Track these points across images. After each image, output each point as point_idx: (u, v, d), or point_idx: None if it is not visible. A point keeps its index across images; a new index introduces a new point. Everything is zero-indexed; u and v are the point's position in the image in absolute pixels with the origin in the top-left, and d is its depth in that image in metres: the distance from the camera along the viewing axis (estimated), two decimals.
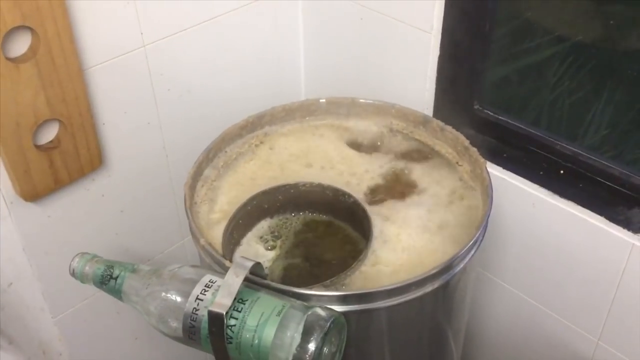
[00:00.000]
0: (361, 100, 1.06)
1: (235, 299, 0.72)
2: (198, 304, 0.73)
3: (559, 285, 1.11)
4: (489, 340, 1.30)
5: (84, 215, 1.09)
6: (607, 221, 0.99)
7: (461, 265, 0.84)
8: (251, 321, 0.71)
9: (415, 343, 0.91)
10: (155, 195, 1.18)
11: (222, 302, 0.71)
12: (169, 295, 0.76)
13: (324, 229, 0.98)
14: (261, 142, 1.04)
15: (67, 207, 1.05)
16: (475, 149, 0.96)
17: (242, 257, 0.75)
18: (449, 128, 1.00)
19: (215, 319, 0.71)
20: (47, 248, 1.06)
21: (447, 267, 0.81)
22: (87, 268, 0.81)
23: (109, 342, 1.25)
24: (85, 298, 1.15)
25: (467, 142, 0.97)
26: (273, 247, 0.97)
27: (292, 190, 0.96)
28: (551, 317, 1.15)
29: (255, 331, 0.70)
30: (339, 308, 0.77)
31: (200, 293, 0.74)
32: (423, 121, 1.03)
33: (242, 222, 0.93)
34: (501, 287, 1.21)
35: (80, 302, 1.15)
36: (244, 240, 0.97)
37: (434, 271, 0.80)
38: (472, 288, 0.99)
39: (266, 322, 0.71)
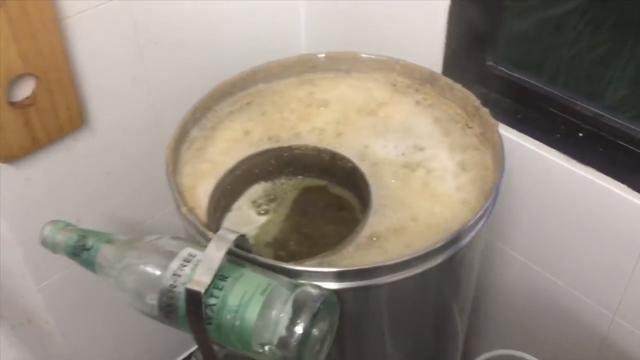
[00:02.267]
0: (363, 55, 0.97)
1: (215, 275, 0.65)
2: (175, 280, 0.66)
3: (575, 257, 1.04)
4: (497, 312, 1.23)
5: (67, 178, 1.03)
6: (629, 189, 0.92)
7: (468, 238, 0.76)
8: (233, 300, 0.64)
9: (418, 320, 0.84)
10: (145, 156, 1.11)
11: (200, 279, 0.64)
12: (146, 268, 0.69)
13: (321, 195, 0.91)
14: (253, 100, 0.95)
15: (47, 169, 0.99)
16: (486, 110, 0.88)
17: (226, 228, 0.68)
18: (458, 86, 0.92)
19: (193, 298, 0.64)
20: (28, 212, 1.00)
21: (453, 240, 0.74)
22: (58, 237, 0.74)
23: (97, 309, 1.20)
24: (70, 264, 1.07)
25: (477, 102, 0.89)
26: (266, 212, 0.90)
27: (285, 154, 0.89)
28: (564, 290, 1.08)
29: (237, 312, 0.64)
30: (333, 285, 0.70)
31: (178, 268, 0.67)
32: (430, 78, 0.95)
33: (230, 187, 0.86)
34: (512, 257, 1.13)
35: (65, 269, 1.09)
36: (235, 206, 0.90)
37: (438, 244, 0.72)
38: (480, 260, 0.92)
39: (249, 301, 0.64)
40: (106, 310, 1.22)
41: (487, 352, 1.05)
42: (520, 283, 1.15)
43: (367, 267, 0.71)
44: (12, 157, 0.92)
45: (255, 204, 0.91)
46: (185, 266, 0.67)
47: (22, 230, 1.00)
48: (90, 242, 0.73)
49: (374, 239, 0.78)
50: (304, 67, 0.98)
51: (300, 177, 0.92)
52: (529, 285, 1.13)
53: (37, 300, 1.09)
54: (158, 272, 0.68)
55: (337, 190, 0.91)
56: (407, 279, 0.72)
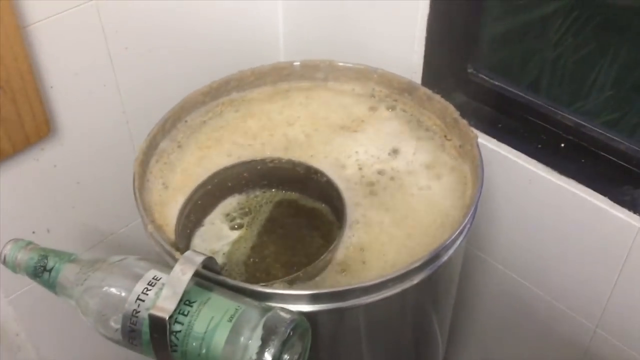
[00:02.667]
0: (340, 64, 0.94)
1: (181, 300, 0.62)
2: (139, 305, 0.63)
3: (556, 268, 1.02)
4: (477, 322, 1.22)
5: (35, 188, 1.00)
6: (611, 202, 0.90)
7: (446, 256, 0.74)
8: (199, 327, 0.61)
9: (396, 338, 0.82)
10: (116, 165, 1.08)
11: (164, 305, 0.61)
12: (110, 290, 0.66)
13: (295, 209, 0.88)
14: (225, 110, 0.93)
15: (14, 179, 0.96)
16: (465, 122, 0.85)
17: (192, 250, 0.65)
18: (437, 97, 0.89)
19: (157, 324, 0.61)
20: None
21: (432, 259, 0.71)
22: (19, 256, 0.71)
23: (70, 320, 1.16)
24: None
25: (456, 114, 0.86)
26: (240, 226, 0.87)
27: (258, 167, 0.86)
28: (545, 301, 1.06)
29: (203, 339, 0.61)
30: (307, 307, 0.67)
31: (142, 292, 0.64)
32: (408, 88, 0.92)
33: (201, 202, 0.83)
34: (492, 267, 1.12)
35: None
36: (207, 220, 0.87)
37: (416, 264, 0.70)
38: (460, 272, 0.90)
39: (215, 328, 0.61)
40: (79, 320, 1.19)
41: None
42: (500, 293, 1.13)
43: (342, 289, 0.68)
44: None
45: (228, 217, 0.88)
46: (149, 290, 0.64)
47: None
48: (51, 262, 0.70)
49: (350, 256, 0.76)
50: (278, 75, 0.95)
51: (274, 190, 0.89)
52: (509, 295, 1.11)
53: (8, 312, 1.06)
54: (122, 295, 0.65)
55: (312, 203, 0.88)
56: (384, 299, 0.70)
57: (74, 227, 1.08)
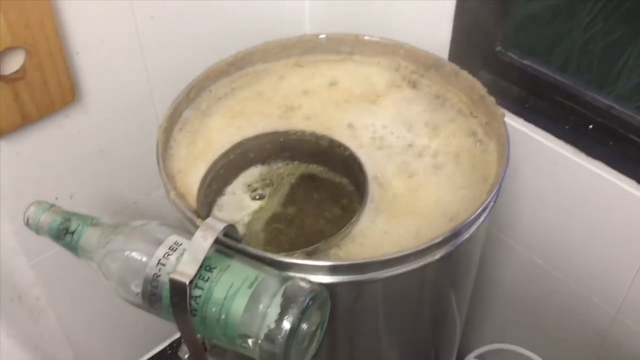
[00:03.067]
0: (366, 38, 0.94)
1: (202, 266, 0.62)
2: (160, 269, 0.64)
3: (579, 252, 1.01)
4: (496, 305, 1.21)
5: (59, 154, 1.01)
6: (639, 185, 0.88)
7: (469, 233, 0.73)
8: (218, 293, 0.61)
9: (414, 315, 0.82)
10: (140, 133, 1.08)
11: (185, 269, 0.61)
12: (132, 254, 0.66)
13: (317, 182, 0.88)
14: (250, 81, 0.92)
15: (38, 144, 0.97)
16: (492, 99, 0.84)
17: (213, 217, 0.65)
18: (464, 73, 0.88)
19: (178, 289, 0.61)
20: (19, 188, 0.98)
21: (453, 236, 0.71)
22: (42, 218, 0.72)
23: (89, 286, 1.18)
24: None
25: (484, 91, 0.85)
26: (261, 197, 0.87)
27: (281, 139, 0.85)
28: (566, 285, 1.06)
29: (222, 305, 0.61)
30: (326, 279, 0.67)
31: (163, 256, 0.64)
32: (435, 64, 0.91)
33: (223, 172, 0.83)
34: (513, 250, 1.11)
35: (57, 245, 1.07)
36: (229, 189, 0.87)
37: (437, 240, 0.69)
38: (480, 253, 0.89)
39: (235, 294, 0.61)
40: (99, 286, 1.20)
41: (483, 346, 1.03)
42: (521, 276, 1.12)
43: (361, 261, 0.68)
44: (0, 131, 0.90)
45: (250, 187, 0.88)
46: (170, 255, 0.64)
47: (13, 205, 0.98)
48: (73, 225, 0.70)
49: (371, 229, 0.75)
50: (304, 48, 0.94)
51: (296, 162, 0.89)
52: (530, 279, 1.11)
53: (29, 276, 1.08)
54: (143, 260, 0.65)
55: (334, 176, 0.88)
56: (403, 274, 0.69)
57: (97, 194, 1.09)
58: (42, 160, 0.99)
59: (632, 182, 0.89)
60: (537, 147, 0.96)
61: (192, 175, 0.81)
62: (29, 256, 1.05)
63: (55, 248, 1.06)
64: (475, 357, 1.12)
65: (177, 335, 1.41)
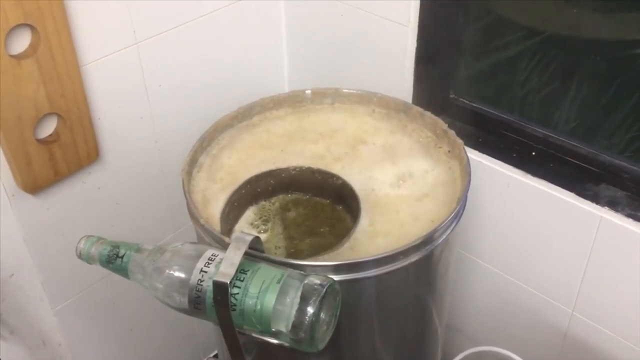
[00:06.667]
0: (345, 90, 1.12)
1: (237, 269, 0.77)
2: (202, 276, 0.78)
3: (534, 261, 1.18)
4: (472, 316, 1.37)
5: (82, 208, 1.13)
6: (577, 196, 1.07)
7: (443, 238, 0.90)
8: (253, 289, 0.76)
9: (401, 311, 0.97)
10: (148, 187, 1.23)
11: (226, 272, 0.76)
12: (172, 272, 0.81)
13: (314, 210, 1.04)
14: (251, 131, 1.09)
15: (65, 199, 1.09)
16: (453, 132, 1.03)
17: (242, 232, 0.81)
18: (428, 113, 1.07)
19: (220, 288, 0.76)
20: (47, 239, 1.10)
21: (430, 239, 0.88)
22: (93, 249, 0.86)
23: (106, 333, 1.29)
24: (83, 289, 1.19)
25: (445, 126, 1.04)
26: (265, 231, 1.02)
27: (282, 175, 1.02)
28: (528, 292, 1.22)
29: (257, 297, 0.76)
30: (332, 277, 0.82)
31: (204, 266, 0.79)
32: (404, 108, 1.10)
33: (237, 204, 0.99)
34: (480, 266, 1.27)
35: (78, 292, 1.19)
36: (236, 227, 1.02)
37: (417, 241, 0.86)
38: (453, 265, 1.05)
39: (267, 289, 0.76)
40: (117, 333, 1.31)
41: (470, 349, 1.18)
42: (489, 288, 1.28)
43: (357, 260, 0.84)
44: (37, 188, 1.03)
45: (253, 225, 1.03)
46: (209, 264, 0.79)
47: (42, 255, 1.10)
48: (122, 251, 0.84)
49: (364, 240, 0.91)
50: (293, 101, 1.12)
51: (296, 193, 1.05)
52: (497, 290, 1.27)
53: (53, 322, 1.18)
54: (185, 271, 0.80)
55: (330, 204, 1.04)
56: (391, 272, 0.85)
57: None
58: (68, 214, 1.11)
59: (571, 194, 1.07)
60: (492, 173, 1.14)
61: (211, 207, 0.96)
62: (53, 303, 1.16)
63: (76, 294, 1.18)
64: None
65: None
